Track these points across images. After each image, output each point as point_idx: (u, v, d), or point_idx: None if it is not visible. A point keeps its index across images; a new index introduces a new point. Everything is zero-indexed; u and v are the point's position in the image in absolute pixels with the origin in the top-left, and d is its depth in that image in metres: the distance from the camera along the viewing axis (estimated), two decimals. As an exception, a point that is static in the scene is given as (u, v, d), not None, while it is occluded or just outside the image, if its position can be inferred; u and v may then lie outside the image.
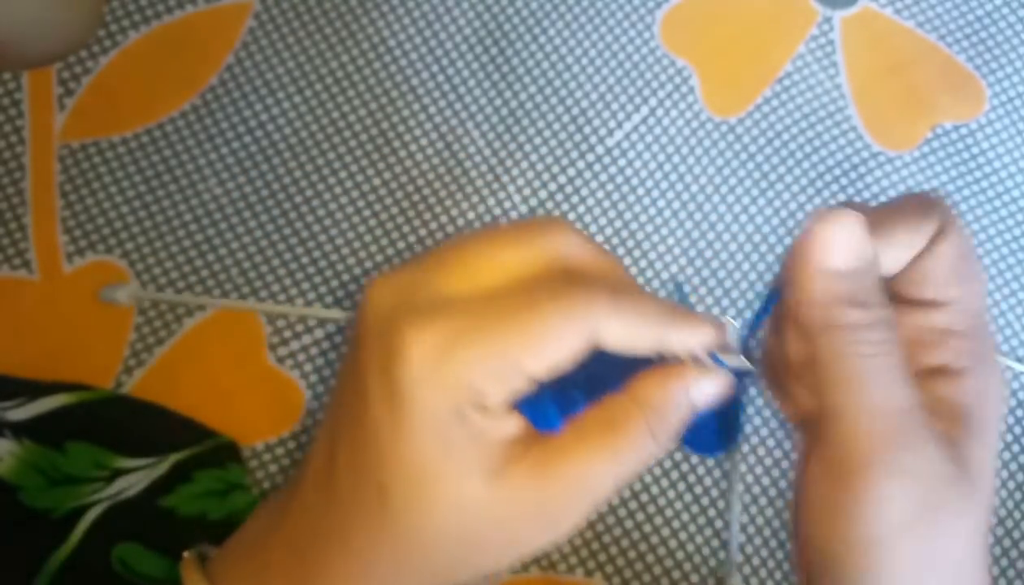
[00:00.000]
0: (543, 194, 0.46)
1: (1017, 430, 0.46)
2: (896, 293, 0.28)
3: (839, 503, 0.26)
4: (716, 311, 0.45)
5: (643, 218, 0.46)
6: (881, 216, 0.27)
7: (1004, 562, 0.45)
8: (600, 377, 0.28)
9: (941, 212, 0.27)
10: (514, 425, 0.27)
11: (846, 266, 0.26)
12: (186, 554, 0.32)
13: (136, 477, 0.40)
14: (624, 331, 0.26)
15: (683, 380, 0.27)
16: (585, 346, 0.26)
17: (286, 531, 0.30)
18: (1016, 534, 0.45)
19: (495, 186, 0.45)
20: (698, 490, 0.43)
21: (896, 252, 0.27)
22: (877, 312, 0.26)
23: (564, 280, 0.27)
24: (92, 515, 0.39)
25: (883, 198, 0.47)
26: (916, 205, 0.27)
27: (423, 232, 0.45)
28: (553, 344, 0.26)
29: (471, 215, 0.45)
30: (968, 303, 0.28)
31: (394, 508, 0.27)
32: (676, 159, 0.47)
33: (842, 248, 0.26)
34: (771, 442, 0.44)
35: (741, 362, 0.28)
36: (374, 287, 0.28)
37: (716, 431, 0.31)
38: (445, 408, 0.26)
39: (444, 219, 0.45)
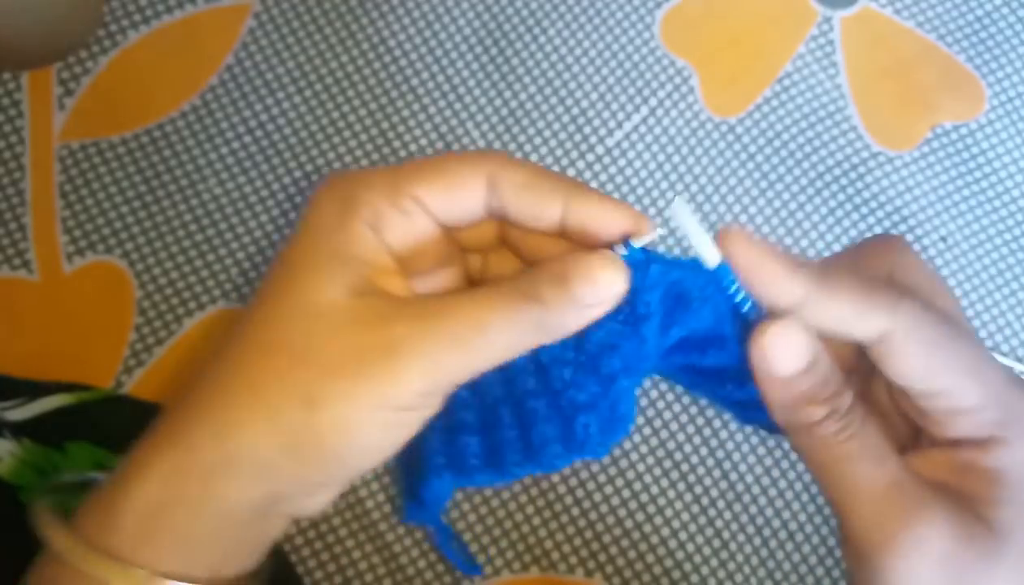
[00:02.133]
0: (543, 194, 0.46)
1: None
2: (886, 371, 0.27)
3: (865, 578, 0.26)
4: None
5: (643, 218, 0.46)
6: (821, 278, 0.25)
7: None
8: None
9: (895, 288, 0.26)
10: (400, 282, 0.27)
11: (791, 372, 0.25)
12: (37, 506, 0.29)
13: (136, 477, 0.40)
14: (524, 181, 0.26)
15: (562, 258, 0.25)
16: (483, 192, 0.26)
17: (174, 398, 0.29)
18: None
19: (495, 186, 0.45)
20: (698, 490, 0.43)
21: (841, 326, 0.26)
22: (834, 402, 0.26)
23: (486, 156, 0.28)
24: (92, 515, 0.39)
25: (883, 198, 0.48)
26: (863, 282, 0.26)
27: (423, 232, 0.45)
28: (447, 176, 0.26)
29: (471, 215, 0.45)
30: (965, 386, 0.26)
31: (251, 314, 0.27)
32: (676, 159, 0.47)
33: (785, 358, 0.25)
34: (771, 442, 0.44)
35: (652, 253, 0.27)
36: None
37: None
38: (333, 214, 0.26)
39: (444, 219, 0.45)
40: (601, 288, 0.25)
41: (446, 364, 0.25)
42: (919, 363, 0.25)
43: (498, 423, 0.29)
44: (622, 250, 0.26)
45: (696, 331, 0.29)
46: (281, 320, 0.26)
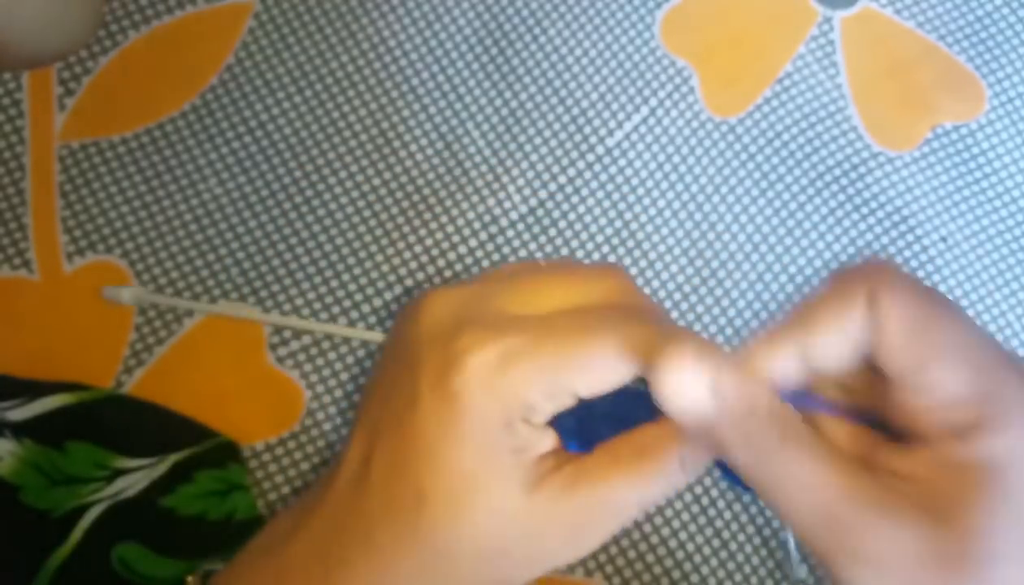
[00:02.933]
0: (543, 194, 0.46)
1: None
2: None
3: None
4: (717, 311, 0.45)
5: (643, 218, 0.46)
6: (802, 322, 0.25)
7: None
8: (615, 402, 0.29)
9: (865, 288, 0.25)
10: (549, 439, 0.28)
11: (697, 411, 0.25)
12: (189, 579, 0.32)
13: (136, 477, 0.40)
14: (671, 370, 0.26)
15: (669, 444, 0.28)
16: (633, 375, 0.27)
17: (311, 529, 0.30)
18: None
19: (495, 186, 0.45)
20: (698, 490, 0.43)
21: (831, 352, 0.25)
22: (752, 423, 0.25)
23: (620, 312, 0.28)
24: (92, 515, 0.39)
25: (883, 198, 0.48)
26: (834, 290, 0.25)
27: (423, 232, 0.45)
28: (604, 369, 0.27)
29: (471, 215, 0.45)
30: (951, 375, 0.24)
31: (429, 513, 0.28)
32: (676, 159, 0.47)
33: (684, 391, 0.25)
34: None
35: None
36: (431, 297, 0.29)
37: None
38: (496, 418, 0.27)
39: (444, 219, 0.45)
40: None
41: (613, 533, 0.29)
42: (904, 335, 0.24)
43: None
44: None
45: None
46: (474, 529, 0.28)
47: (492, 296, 0.29)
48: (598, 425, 0.29)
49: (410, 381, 0.28)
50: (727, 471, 0.33)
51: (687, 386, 0.24)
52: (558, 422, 0.29)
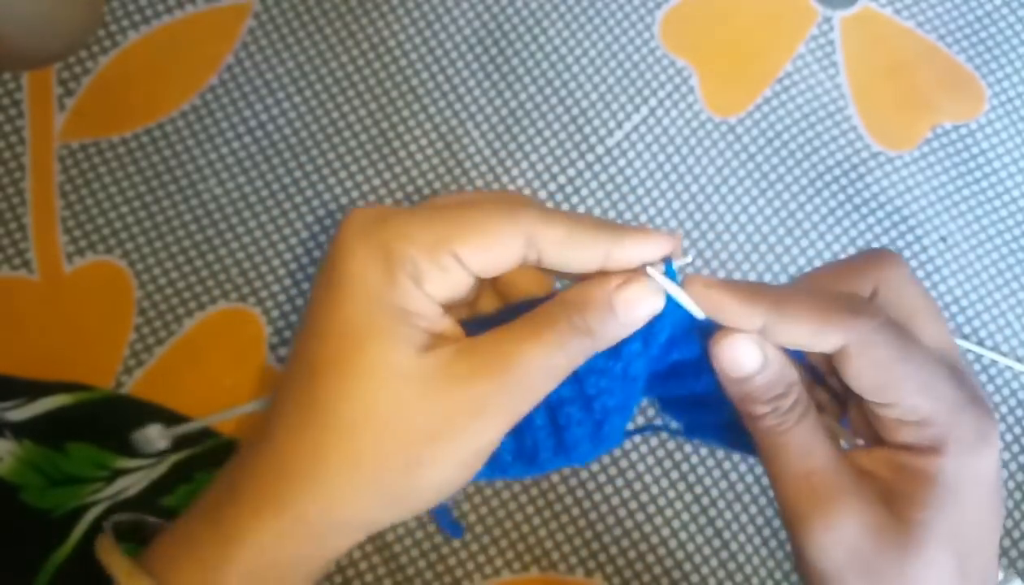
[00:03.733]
0: (543, 194, 0.46)
1: (1017, 430, 0.46)
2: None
3: (797, 547, 0.29)
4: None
5: (643, 218, 0.46)
6: (778, 299, 0.28)
7: (1003, 562, 0.45)
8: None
9: (870, 314, 0.28)
10: (450, 326, 0.28)
11: (743, 373, 0.29)
12: (102, 535, 0.30)
13: (136, 477, 0.40)
14: (563, 237, 0.27)
15: (606, 282, 0.28)
16: (521, 249, 0.27)
17: (233, 462, 0.30)
18: (1016, 534, 0.45)
19: (495, 186, 0.45)
20: (698, 490, 0.43)
21: (796, 340, 0.28)
22: (775, 403, 0.29)
23: (505, 195, 0.29)
24: (92, 515, 0.39)
25: (883, 198, 0.48)
26: (820, 303, 0.28)
27: (423, 232, 0.45)
28: (488, 236, 0.27)
29: (471, 215, 0.45)
30: (913, 399, 0.28)
31: (322, 380, 0.27)
32: (676, 159, 0.47)
33: (737, 362, 0.29)
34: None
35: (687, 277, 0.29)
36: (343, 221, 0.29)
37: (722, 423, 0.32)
38: (377, 268, 0.27)
39: (444, 219, 0.45)
40: (643, 312, 0.28)
41: (523, 408, 0.28)
42: (869, 377, 0.28)
43: (530, 424, 0.31)
44: (659, 269, 0.28)
45: (692, 355, 0.31)
46: (362, 391, 0.27)
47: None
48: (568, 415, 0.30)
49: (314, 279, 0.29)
50: (691, 428, 0.33)
51: (746, 354, 0.28)
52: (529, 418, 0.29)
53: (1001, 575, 0.40)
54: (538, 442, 0.31)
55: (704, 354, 0.30)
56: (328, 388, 0.27)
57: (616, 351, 0.29)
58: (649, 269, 0.28)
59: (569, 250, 0.28)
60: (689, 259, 0.29)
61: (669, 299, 0.29)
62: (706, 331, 0.30)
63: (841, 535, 0.28)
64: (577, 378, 0.29)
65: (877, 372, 0.28)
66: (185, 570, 0.28)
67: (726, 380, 0.29)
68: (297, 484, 0.27)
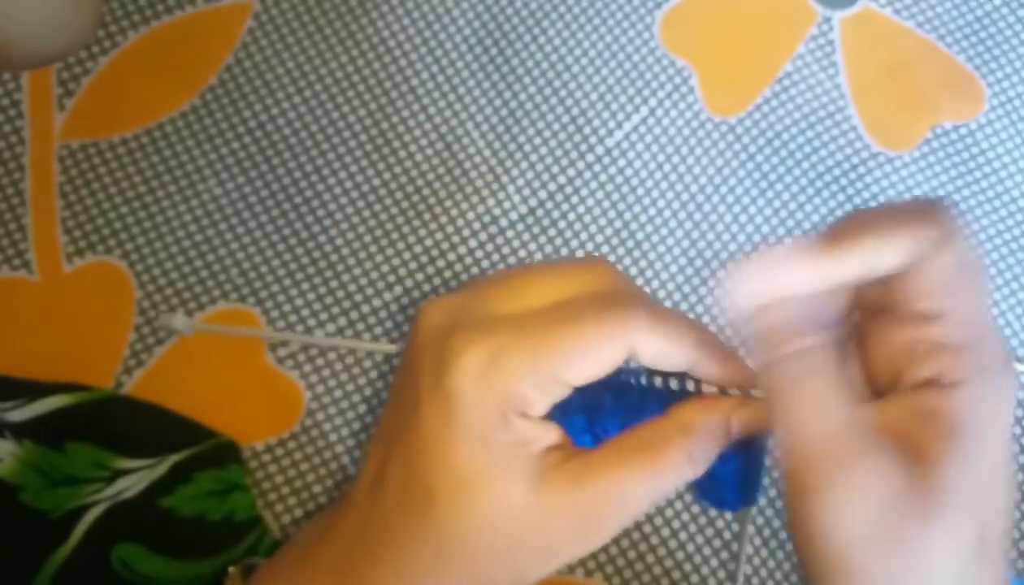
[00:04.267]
0: (543, 194, 0.46)
1: (1017, 430, 0.46)
2: (894, 300, 0.28)
3: (804, 519, 0.27)
4: (717, 311, 0.45)
5: (643, 218, 0.46)
6: (882, 216, 0.27)
7: (1004, 562, 0.45)
8: (624, 398, 0.30)
9: (944, 221, 0.27)
10: (553, 434, 0.29)
11: (755, 307, 0.27)
12: (231, 569, 0.33)
13: (136, 477, 0.40)
14: (660, 349, 0.28)
15: (722, 408, 0.29)
16: (623, 359, 0.28)
17: (335, 536, 0.31)
18: (1016, 534, 0.45)
19: (495, 186, 0.45)
20: (698, 490, 0.43)
21: (892, 259, 0.27)
22: (804, 341, 0.27)
23: (604, 299, 0.29)
24: (92, 515, 0.39)
25: (883, 198, 0.47)
26: (919, 211, 0.27)
27: (423, 232, 0.45)
28: (592, 356, 0.28)
29: (471, 215, 0.45)
30: (965, 315, 0.27)
31: (440, 509, 0.28)
32: (676, 159, 0.47)
33: (748, 294, 0.27)
34: (769, 442, 0.44)
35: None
36: (426, 308, 0.30)
37: (735, 484, 0.32)
38: (492, 414, 0.28)
39: (444, 219, 0.45)
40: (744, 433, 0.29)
41: (622, 528, 0.30)
42: (940, 277, 0.27)
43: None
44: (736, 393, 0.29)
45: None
46: (483, 524, 0.28)
47: (482, 298, 0.30)
48: (607, 422, 0.30)
49: (412, 387, 0.29)
50: (710, 495, 0.33)
51: (791, 268, 0.26)
52: (569, 420, 0.29)
53: None
54: None
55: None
56: (450, 516, 0.29)
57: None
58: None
59: (661, 360, 0.29)
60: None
61: None
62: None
63: (859, 505, 0.26)
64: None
65: (954, 274, 0.27)
66: None
67: (732, 320, 0.29)
68: None
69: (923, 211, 0.27)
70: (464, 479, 0.28)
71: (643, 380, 0.30)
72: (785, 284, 0.27)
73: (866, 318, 0.29)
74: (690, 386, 0.30)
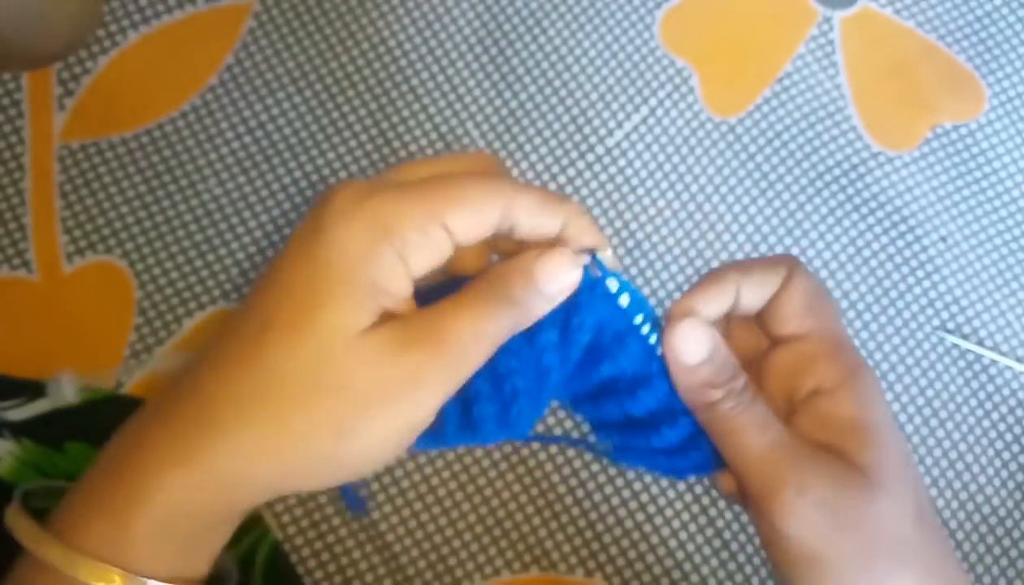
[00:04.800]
0: (543, 194, 0.46)
1: (1017, 430, 0.46)
2: (767, 332, 0.34)
3: (769, 525, 0.30)
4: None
5: (643, 218, 0.46)
6: (742, 266, 0.33)
7: (1004, 562, 0.45)
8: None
9: (788, 262, 0.33)
10: (408, 308, 0.29)
11: (700, 358, 0.31)
12: (10, 507, 0.30)
13: (136, 477, 0.40)
14: (534, 203, 0.29)
15: (528, 253, 0.30)
16: (499, 217, 0.29)
17: (166, 392, 0.30)
18: (1016, 534, 0.45)
19: (495, 186, 0.45)
20: (698, 490, 0.43)
21: (755, 291, 0.32)
22: (729, 385, 0.31)
23: (484, 172, 0.31)
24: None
25: (883, 198, 0.48)
26: (768, 259, 0.34)
27: (423, 232, 0.45)
28: (475, 206, 0.28)
29: (471, 215, 0.45)
30: (824, 330, 0.33)
31: (270, 335, 0.28)
32: (676, 159, 0.47)
33: (692, 348, 0.31)
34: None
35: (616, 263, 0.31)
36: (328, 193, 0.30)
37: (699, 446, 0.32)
38: (360, 242, 0.27)
39: (444, 219, 0.45)
40: (562, 282, 0.29)
41: (458, 378, 0.29)
42: (801, 301, 0.32)
43: (477, 395, 0.32)
44: (585, 259, 0.30)
45: (625, 371, 0.32)
46: (308, 351, 0.27)
47: (377, 178, 0.31)
48: (576, 338, 0.31)
49: (289, 240, 0.29)
50: (681, 463, 0.34)
51: (701, 338, 0.31)
52: (538, 336, 0.31)
53: None
54: (482, 413, 0.31)
55: (637, 365, 0.32)
56: (275, 344, 0.27)
57: (531, 336, 0.31)
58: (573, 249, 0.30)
59: (536, 219, 0.29)
60: (608, 255, 0.31)
61: (590, 294, 0.31)
62: (647, 325, 0.31)
63: (815, 496, 0.29)
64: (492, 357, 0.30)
65: (808, 297, 0.32)
66: (93, 528, 0.28)
67: (680, 370, 0.31)
68: (219, 435, 0.27)
69: (772, 258, 0.33)
70: (304, 306, 0.27)
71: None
72: (692, 344, 0.31)
73: (748, 364, 0.33)
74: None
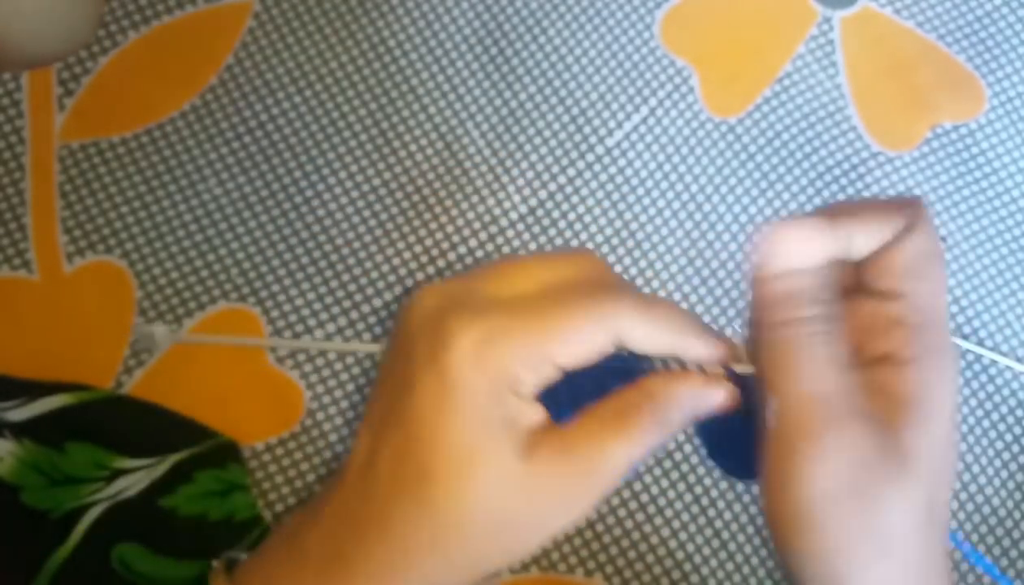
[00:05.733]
0: (543, 194, 0.46)
1: (1017, 430, 0.46)
2: (861, 280, 0.31)
3: (778, 475, 0.29)
4: (717, 311, 0.45)
5: (643, 218, 0.46)
6: (857, 206, 0.30)
7: (1004, 562, 0.45)
8: (604, 381, 0.31)
9: (914, 211, 0.30)
10: (541, 412, 0.30)
11: (803, 264, 0.29)
12: (214, 563, 0.33)
13: (136, 477, 0.40)
14: (645, 333, 0.29)
15: (687, 381, 0.30)
16: (610, 343, 0.29)
17: (324, 522, 0.31)
18: (1016, 534, 0.45)
19: (495, 186, 0.45)
20: (698, 490, 0.43)
21: (864, 238, 0.30)
22: (812, 309, 0.29)
23: (592, 286, 0.31)
24: (92, 515, 0.39)
25: (883, 198, 0.48)
26: (892, 201, 0.31)
27: (423, 232, 0.45)
28: (582, 339, 0.29)
29: (471, 215, 0.45)
30: (922, 298, 0.30)
31: (436, 490, 0.29)
32: (676, 159, 0.47)
33: (778, 255, 0.29)
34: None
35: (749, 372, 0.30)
36: (421, 293, 0.31)
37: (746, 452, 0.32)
38: (486, 392, 0.29)
39: (444, 219, 0.45)
40: (713, 407, 0.30)
41: (604, 496, 0.30)
42: (910, 258, 0.30)
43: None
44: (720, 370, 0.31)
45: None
46: (477, 499, 0.29)
47: (475, 284, 0.31)
48: (586, 400, 0.31)
49: (405, 368, 0.30)
50: (717, 455, 0.34)
51: (806, 247, 0.28)
52: (550, 400, 0.31)
53: None
54: None
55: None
56: (446, 496, 0.29)
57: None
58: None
59: (646, 345, 0.30)
60: (751, 370, 0.30)
61: None
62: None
63: (836, 463, 0.28)
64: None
65: (917, 260, 0.29)
66: None
67: (773, 277, 0.29)
68: (415, 570, 0.30)
69: (897, 202, 0.30)
70: (460, 457, 0.29)
71: (617, 359, 0.31)
72: (794, 252, 0.29)
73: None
74: (674, 367, 0.32)
